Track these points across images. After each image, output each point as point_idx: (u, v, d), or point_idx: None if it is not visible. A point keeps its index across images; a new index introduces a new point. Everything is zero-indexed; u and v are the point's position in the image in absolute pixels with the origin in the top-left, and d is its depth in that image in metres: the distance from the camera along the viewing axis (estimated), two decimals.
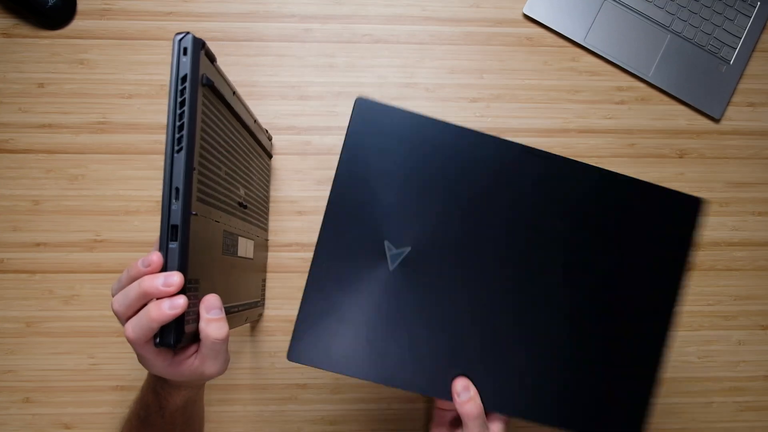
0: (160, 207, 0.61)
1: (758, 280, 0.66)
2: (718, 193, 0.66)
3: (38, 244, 0.61)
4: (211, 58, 0.38)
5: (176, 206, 0.35)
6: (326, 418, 0.61)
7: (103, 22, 0.63)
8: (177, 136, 0.35)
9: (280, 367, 0.61)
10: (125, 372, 0.60)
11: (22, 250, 0.61)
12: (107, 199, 0.62)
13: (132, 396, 0.60)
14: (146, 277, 0.34)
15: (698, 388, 0.64)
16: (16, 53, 0.62)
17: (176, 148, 0.35)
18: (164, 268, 0.35)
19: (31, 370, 0.60)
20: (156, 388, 0.42)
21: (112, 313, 0.59)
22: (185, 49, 0.35)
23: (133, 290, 0.34)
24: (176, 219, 0.35)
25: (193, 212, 0.36)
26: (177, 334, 0.35)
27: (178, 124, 0.35)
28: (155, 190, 0.62)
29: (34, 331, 0.60)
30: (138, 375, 0.60)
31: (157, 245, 0.36)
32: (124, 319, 0.36)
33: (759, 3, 0.68)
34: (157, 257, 0.35)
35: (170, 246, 0.35)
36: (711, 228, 0.66)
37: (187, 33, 0.35)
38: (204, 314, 0.37)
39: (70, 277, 0.61)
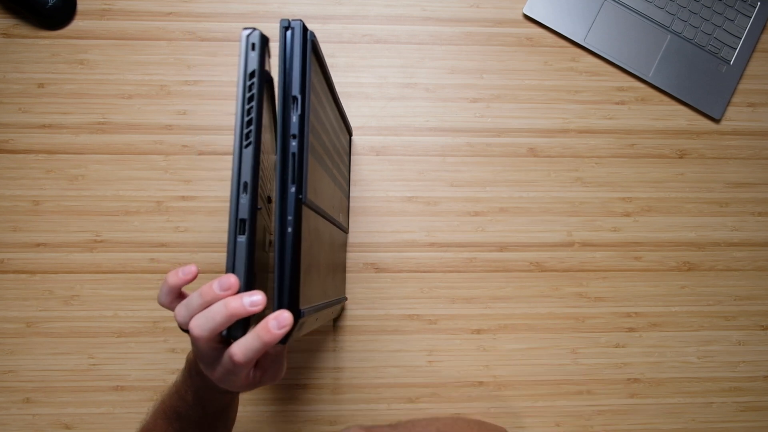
0: (159, 207, 0.62)
1: (758, 280, 0.66)
2: (718, 193, 0.66)
3: (38, 245, 0.61)
4: (269, 55, 0.38)
5: (244, 200, 0.35)
6: (326, 418, 0.61)
7: (103, 22, 0.63)
8: (246, 131, 0.35)
9: None
10: (125, 372, 0.60)
11: (22, 251, 0.61)
12: (107, 199, 0.62)
13: (132, 396, 0.60)
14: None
15: (698, 388, 0.64)
16: (16, 53, 0.62)
17: (245, 143, 0.35)
18: (232, 263, 0.35)
19: (31, 371, 0.60)
20: (199, 391, 0.41)
21: (112, 314, 0.60)
22: (253, 45, 0.35)
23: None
24: (244, 213, 0.35)
25: (258, 206, 0.36)
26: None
27: (246, 119, 0.35)
28: (155, 191, 0.62)
29: (34, 332, 0.60)
30: (138, 375, 0.60)
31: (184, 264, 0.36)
32: (206, 342, 0.35)
33: (759, 3, 0.68)
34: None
35: (238, 240, 0.35)
36: (711, 228, 0.66)
37: (254, 29, 0.35)
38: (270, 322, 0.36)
39: (70, 278, 0.61)
